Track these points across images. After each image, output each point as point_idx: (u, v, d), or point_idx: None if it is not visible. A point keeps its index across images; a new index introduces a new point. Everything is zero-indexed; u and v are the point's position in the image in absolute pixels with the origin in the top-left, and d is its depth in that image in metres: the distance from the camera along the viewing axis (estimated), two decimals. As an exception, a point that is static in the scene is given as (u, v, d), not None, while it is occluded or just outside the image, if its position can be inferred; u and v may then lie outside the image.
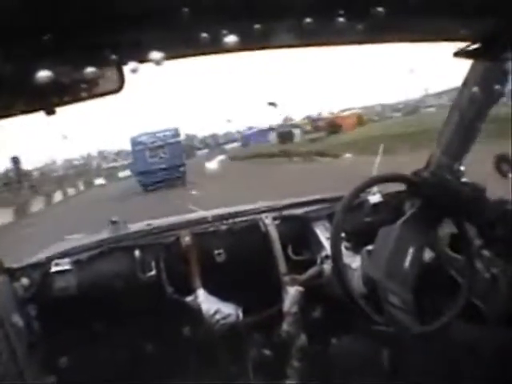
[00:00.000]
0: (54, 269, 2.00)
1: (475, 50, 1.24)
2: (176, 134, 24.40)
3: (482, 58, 1.54)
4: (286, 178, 14.80)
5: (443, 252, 1.97)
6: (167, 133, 24.05)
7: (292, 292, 2.00)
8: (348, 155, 19.57)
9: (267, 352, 2.27)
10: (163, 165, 22.79)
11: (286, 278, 2.06)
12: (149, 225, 2.29)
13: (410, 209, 2.02)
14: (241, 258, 2.16)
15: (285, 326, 2.00)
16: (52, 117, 0.88)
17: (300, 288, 2.01)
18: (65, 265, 2.02)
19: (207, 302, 2.07)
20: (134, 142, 23.83)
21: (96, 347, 2.14)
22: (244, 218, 2.26)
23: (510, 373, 1.32)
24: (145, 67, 0.88)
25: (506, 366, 1.39)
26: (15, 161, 31.38)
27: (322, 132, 35.70)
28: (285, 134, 38.63)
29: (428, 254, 1.86)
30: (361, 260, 1.77)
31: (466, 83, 1.75)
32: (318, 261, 2.05)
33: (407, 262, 1.68)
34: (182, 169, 23.09)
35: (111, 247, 2.11)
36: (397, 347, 1.70)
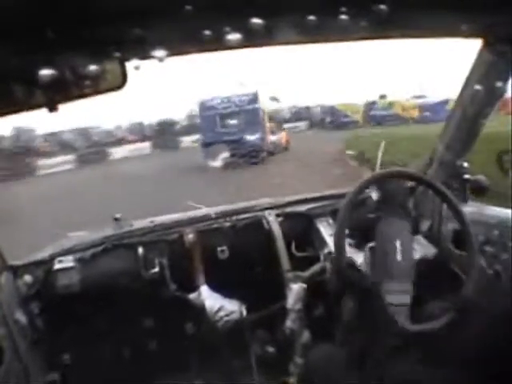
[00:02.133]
0: (57, 266, 2.00)
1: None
2: (255, 98, 19.55)
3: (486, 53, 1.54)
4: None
5: (446, 248, 1.96)
6: (244, 98, 19.56)
7: (295, 289, 2.00)
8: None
9: (270, 349, 2.28)
10: (235, 136, 17.98)
11: (290, 275, 2.05)
12: (152, 222, 2.29)
13: (415, 206, 2.03)
14: (244, 255, 2.16)
15: (288, 323, 2.00)
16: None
17: (303, 285, 2.00)
18: (68, 262, 2.02)
19: (211, 299, 2.07)
20: (203, 107, 19.73)
21: (99, 344, 2.14)
22: (247, 215, 2.26)
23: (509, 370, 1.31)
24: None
25: (507, 364, 1.38)
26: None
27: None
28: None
29: (431, 250, 1.85)
30: (364, 257, 1.77)
31: (468, 80, 1.75)
32: (322, 257, 2.05)
33: (399, 256, 1.69)
34: (258, 142, 18.35)
35: (114, 244, 2.11)
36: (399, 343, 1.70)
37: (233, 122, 19.34)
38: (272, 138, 20.37)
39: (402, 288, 1.64)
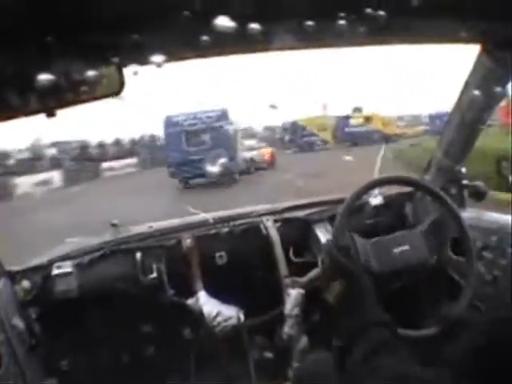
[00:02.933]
0: (55, 272, 2.00)
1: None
2: (223, 115, 18.48)
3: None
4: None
5: (445, 254, 1.96)
6: (211, 114, 18.45)
7: (293, 294, 2.00)
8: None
9: (268, 354, 2.27)
10: (202, 155, 16.09)
11: (287, 281, 2.05)
12: (150, 227, 2.28)
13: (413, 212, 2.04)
14: (242, 261, 2.15)
15: (286, 329, 1.99)
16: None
17: (301, 290, 2.00)
18: (66, 267, 2.01)
19: (208, 305, 2.06)
20: (168, 123, 18.58)
21: (97, 350, 2.13)
22: (245, 221, 2.26)
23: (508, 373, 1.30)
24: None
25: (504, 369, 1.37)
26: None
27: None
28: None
29: (429, 256, 1.86)
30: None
31: (467, 85, 1.75)
32: (319, 263, 2.05)
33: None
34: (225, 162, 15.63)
35: (112, 250, 2.11)
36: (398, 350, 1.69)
37: (199, 139, 18.53)
38: (247, 154, 19.92)
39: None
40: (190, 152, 17.86)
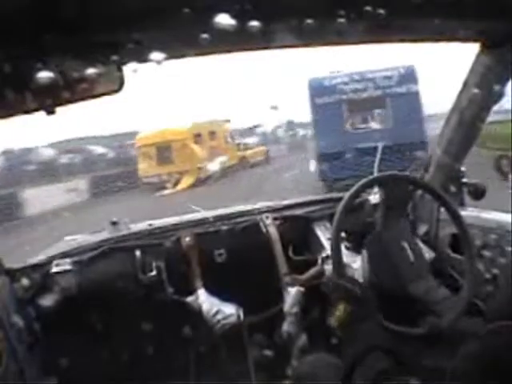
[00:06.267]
0: (54, 269, 2.00)
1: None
2: (409, 75, 10.96)
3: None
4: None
5: (444, 252, 1.96)
6: (389, 73, 11.07)
7: (293, 292, 2.00)
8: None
9: (268, 352, 2.27)
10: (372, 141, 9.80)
11: (287, 279, 2.05)
12: (150, 225, 2.28)
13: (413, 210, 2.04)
14: (242, 259, 2.15)
15: (285, 327, 2.00)
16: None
17: (301, 288, 2.00)
18: (65, 265, 2.01)
19: (208, 303, 2.07)
20: (316, 89, 11.31)
21: (96, 348, 2.13)
22: (245, 219, 2.26)
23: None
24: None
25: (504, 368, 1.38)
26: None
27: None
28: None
29: (428, 254, 1.86)
30: (361, 260, 1.77)
31: (466, 83, 1.75)
32: (319, 261, 2.05)
33: (411, 258, 1.69)
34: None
35: (112, 248, 2.11)
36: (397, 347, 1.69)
37: (371, 115, 12.00)
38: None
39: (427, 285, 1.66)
40: (353, 136, 11.08)
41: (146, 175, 17.68)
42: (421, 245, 1.85)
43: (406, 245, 1.72)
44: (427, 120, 10.68)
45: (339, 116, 11.09)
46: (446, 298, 1.63)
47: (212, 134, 19.79)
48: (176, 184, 16.87)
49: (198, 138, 18.52)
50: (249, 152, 21.44)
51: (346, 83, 11.16)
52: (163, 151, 17.83)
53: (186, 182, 16.86)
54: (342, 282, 1.45)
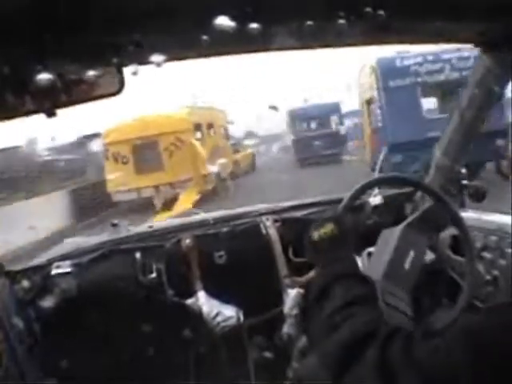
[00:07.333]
0: (54, 271, 2.00)
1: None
2: None
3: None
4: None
5: (444, 254, 1.96)
6: (467, 53, 9.46)
7: (293, 294, 2.00)
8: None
9: (268, 354, 2.26)
10: None
11: (287, 280, 2.05)
12: (150, 227, 2.28)
13: (413, 211, 2.02)
14: (242, 261, 2.15)
15: (286, 328, 2.00)
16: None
17: (300, 290, 2.00)
18: (65, 267, 2.01)
19: (208, 305, 2.06)
20: (387, 71, 10.38)
21: (96, 350, 2.13)
22: (245, 221, 2.26)
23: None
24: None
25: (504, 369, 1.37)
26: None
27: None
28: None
29: (429, 256, 1.85)
30: (361, 262, 1.76)
31: (468, 84, 1.75)
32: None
33: (407, 264, 1.67)
34: None
35: (112, 249, 2.11)
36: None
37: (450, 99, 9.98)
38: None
39: (400, 295, 1.63)
40: (429, 123, 9.22)
41: (118, 190, 12.49)
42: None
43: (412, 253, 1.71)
44: (507, 105, 9.21)
45: (414, 101, 10.03)
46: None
47: (210, 126, 15.12)
48: (170, 204, 11.47)
49: (197, 130, 13.41)
50: (240, 156, 20.10)
51: (420, 64, 10.18)
52: (145, 152, 12.59)
53: (187, 199, 11.40)
54: None
